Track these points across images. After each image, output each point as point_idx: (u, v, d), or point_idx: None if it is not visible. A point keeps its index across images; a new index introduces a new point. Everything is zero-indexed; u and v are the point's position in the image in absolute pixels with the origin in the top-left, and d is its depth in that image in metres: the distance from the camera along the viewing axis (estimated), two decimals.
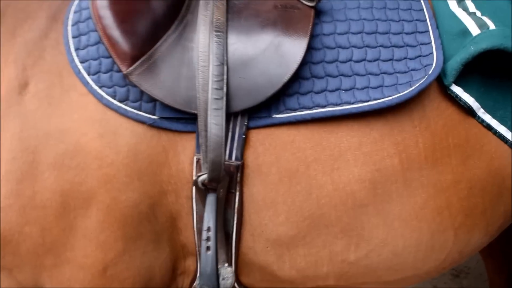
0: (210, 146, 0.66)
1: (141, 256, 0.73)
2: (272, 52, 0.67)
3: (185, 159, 0.71)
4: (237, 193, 0.71)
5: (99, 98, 0.69)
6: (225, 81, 0.66)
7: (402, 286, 0.85)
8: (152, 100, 0.69)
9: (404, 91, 0.69)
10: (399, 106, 0.70)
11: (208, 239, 0.66)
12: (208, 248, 0.66)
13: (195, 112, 0.67)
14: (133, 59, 0.66)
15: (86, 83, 0.69)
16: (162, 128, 0.70)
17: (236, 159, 0.70)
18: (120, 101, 0.69)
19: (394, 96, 0.69)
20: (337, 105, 0.69)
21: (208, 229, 0.66)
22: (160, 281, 0.78)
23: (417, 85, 0.68)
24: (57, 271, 0.71)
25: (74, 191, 0.68)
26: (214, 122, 0.66)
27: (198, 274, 0.66)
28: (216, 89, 0.66)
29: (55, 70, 0.71)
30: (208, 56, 0.67)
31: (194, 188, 0.70)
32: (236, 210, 0.73)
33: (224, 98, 0.66)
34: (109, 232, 0.70)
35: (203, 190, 0.70)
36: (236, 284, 0.83)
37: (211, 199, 0.68)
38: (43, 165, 0.68)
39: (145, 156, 0.69)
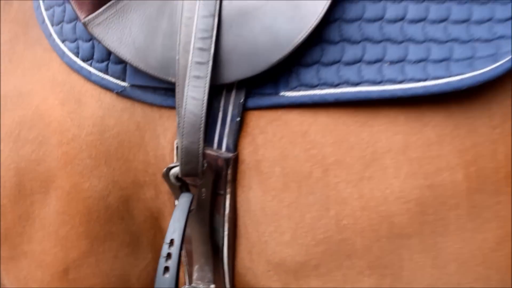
0: (184, 128, 0.48)
1: (111, 261, 0.59)
2: (283, 1, 0.47)
3: (165, 143, 0.54)
4: (228, 196, 0.53)
5: (61, 55, 0.54)
6: (213, 39, 0.48)
7: None
8: (122, 61, 0.52)
9: (483, 68, 0.45)
10: (473, 92, 0.47)
11: (168, 256, 0.48)
12: (166, 270, 0.48)
13: (173, 80, 0.49)
14: (95, 4, 0.49)
15: (49, 36, 0.55)
16: (136, 99, 0.53)
17: (227, 149, 0.52)
18: (84, 60, 0.53)
19: (466, 76, 0.45)
20: (376, 83, 0.48)
21: (171, 243, 0.48)
22: None
23: (505, 60, 0.44)
24: (14, 266, 0.60)
25: (30, 171, 0.56)
26: (192, 95, 0.48)
27: None
28: (200, 49, 0.48)
29: (21, 19, 0.58)
30: (195, 5, 0.49)
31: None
32: (226, 218, 0.55)
33: (210, 63, 0.48)
34: (70, 227, 0.57)
35: (179, 188, 0.52)
36: None
37: (182, 201, 0.51)
38: None
39: (114, 134, 0.54)
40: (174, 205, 0.56)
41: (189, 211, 0.50)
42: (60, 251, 0.57)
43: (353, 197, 0.50)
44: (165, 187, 0.56)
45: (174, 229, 0.49)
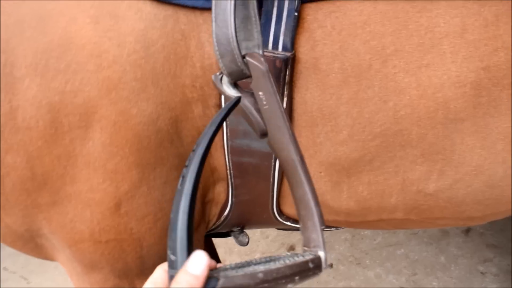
0: (216, 14, 0.41)
1: (162, 187, 0.57)
2: None
3: (211, 51, 0.51)
4: (285, 99, 0.52)
5: None
6: None
7: (487, 221, 0.67)
8: None
9: None
10: None
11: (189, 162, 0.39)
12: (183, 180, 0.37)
13: None
14: None
15: None
16: (177, 4, 0.49)
17: (284, 49, 0.50)
18: None
19: None
20: None
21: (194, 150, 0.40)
22: None
23: None
24: (56, 211, 0.55)
25: (66, 105, 0.50)
26: None
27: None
28: None
29: None
30: None
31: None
32: None
33: None
34: (120, 159, 0.52)
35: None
36: (277, 215, 0.67)
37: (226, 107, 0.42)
38: (20, 69, 0.49)
39: (159, 48, 0.50)
40: None
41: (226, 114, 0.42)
42: (110, 185, 0.53)
43: (412, 86, 0.51)
44: (212, 101, 0.54)
45: (204, 133, 0.39)
